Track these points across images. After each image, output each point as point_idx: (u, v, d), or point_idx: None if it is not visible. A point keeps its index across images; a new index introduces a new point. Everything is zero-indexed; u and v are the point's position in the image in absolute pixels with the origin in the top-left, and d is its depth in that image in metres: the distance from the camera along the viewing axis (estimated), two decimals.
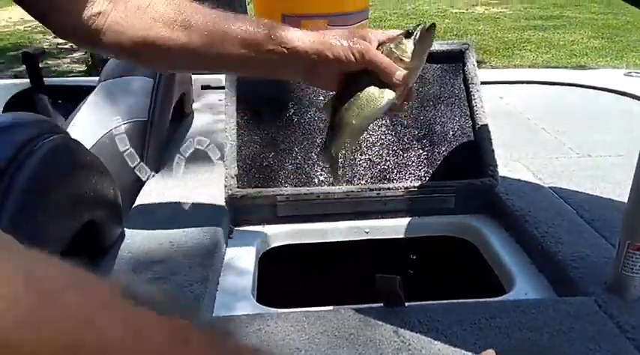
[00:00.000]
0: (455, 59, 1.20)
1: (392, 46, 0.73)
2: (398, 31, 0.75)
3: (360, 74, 0.73)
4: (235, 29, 0.74)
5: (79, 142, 0.85)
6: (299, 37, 0.73)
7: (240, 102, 1.15)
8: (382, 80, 0.72)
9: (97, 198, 0.89)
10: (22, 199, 0.66)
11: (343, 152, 0.82)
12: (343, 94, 0.75)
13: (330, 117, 0.76)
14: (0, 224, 0.61)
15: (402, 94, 0.74)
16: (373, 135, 1.16)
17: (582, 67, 6.36)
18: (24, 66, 1.77)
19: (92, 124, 1.22)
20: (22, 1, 0.70)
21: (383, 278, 0.70)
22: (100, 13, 0.71)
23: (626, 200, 0.80)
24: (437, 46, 1.19)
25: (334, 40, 0.72)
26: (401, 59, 0.72)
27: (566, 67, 6.37)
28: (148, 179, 1.21)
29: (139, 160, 1.20)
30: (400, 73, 0.72)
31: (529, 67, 6.51)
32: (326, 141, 0.80)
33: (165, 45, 0.73)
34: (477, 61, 1.22)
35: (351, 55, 0.72)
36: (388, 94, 0.73)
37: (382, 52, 0.72)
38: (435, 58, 1.19)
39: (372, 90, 0.73)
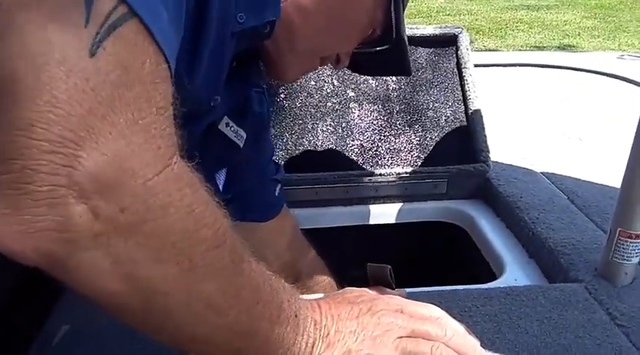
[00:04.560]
0: (448, 43, 1.19)
1: None
2: None
3: None
4: None
5: None
6: None
7: None
8: None
9: None
10: None
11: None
12: None
13: None
14: None
15: None
16: (365, 120, 1.15)
17: (574, 48, 6.35)
18: None
19: None
20: None
21: (374, 267, 0.70)
22: None
23: (617, 186, 0.80)
24: (430, 29, 1.18)
25: None
26: None
27: (558, 47, 6.36)
28: None
29: None
30: None
31: (521, 47, 6.48)
32: None
33: None
34: (469, 42, 1.20)
35: None
36: None
37: None
38: (428, 42, 1.18)
39: None
